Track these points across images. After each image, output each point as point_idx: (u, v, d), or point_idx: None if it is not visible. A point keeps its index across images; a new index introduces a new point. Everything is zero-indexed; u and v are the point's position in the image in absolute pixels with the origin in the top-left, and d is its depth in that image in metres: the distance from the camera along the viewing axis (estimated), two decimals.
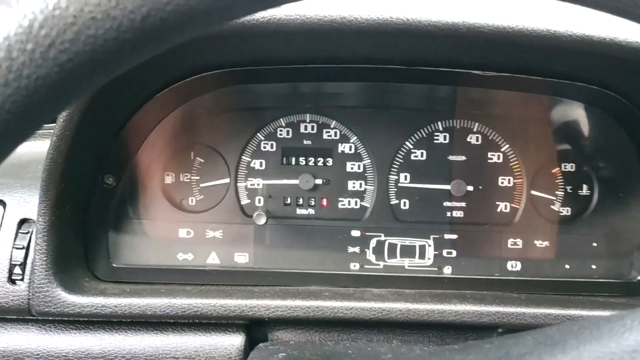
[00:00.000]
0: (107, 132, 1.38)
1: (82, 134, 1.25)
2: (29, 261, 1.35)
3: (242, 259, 1.53)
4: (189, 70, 1.31)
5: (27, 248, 1.36)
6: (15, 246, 1.35)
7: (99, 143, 1.38)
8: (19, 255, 1.34)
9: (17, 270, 1.34)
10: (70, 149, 1.25)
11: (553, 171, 1.53)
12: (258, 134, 1.52)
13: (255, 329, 1.41)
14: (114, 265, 1.49)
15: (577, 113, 1.51)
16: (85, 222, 1.44)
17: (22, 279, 1.35)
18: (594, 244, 1.54)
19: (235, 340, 1.37)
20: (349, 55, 1.30)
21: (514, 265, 1.54)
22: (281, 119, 1.52)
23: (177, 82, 1.34)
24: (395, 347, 1.18)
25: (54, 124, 1.24)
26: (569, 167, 1.54)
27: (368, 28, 1.09)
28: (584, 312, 1.36)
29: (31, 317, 1.36)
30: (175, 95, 1.39)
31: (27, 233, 1.37)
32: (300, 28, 1.09)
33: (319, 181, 1.52)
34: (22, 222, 1.38)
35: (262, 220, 1.45)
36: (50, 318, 1.36)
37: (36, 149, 1.57)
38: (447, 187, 1.51)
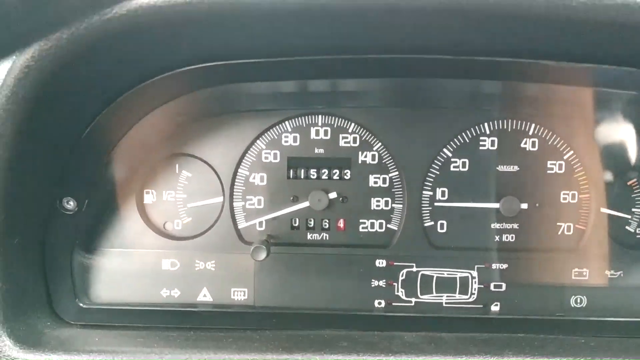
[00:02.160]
0: (58, 147, 1.12)
1: (20, 152, 1.00)
2: None
3: (240, 295, 1.35)
4: (162, 65, 1.04)
5: None
6: None
7: (50, 160, 1.13)
8: None
9: None
10: (10, 169, 0.99)
11: (628, 183, 1.31)
12: (258, 142, 1.32)
13: None
14: (81, 305, 1.30)
15: None
16: (44, 256, 1.23)
17: None
18: None
19: None
20: (367, 43, 1.01)
21: (579, 301, 1.33)
22: (286, 123, 1.32)
23: (149, 79, 1.06)
24: None
25: None
26: None
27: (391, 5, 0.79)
28: None
29: None
30: (147, 95, 1.13)
31: None
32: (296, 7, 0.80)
33: (334, 197, 1.31)
34: None
35: (262, 256, 1.24)
36: None
37: None
38: (496, 205, 1.31)
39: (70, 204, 1.20)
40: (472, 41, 1.02)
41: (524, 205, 1.30)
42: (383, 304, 1.32)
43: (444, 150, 1.29)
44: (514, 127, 1.29)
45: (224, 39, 0.95)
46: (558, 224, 1.32)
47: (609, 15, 0.78)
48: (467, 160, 1.30)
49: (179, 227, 1.33)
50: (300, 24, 0.92)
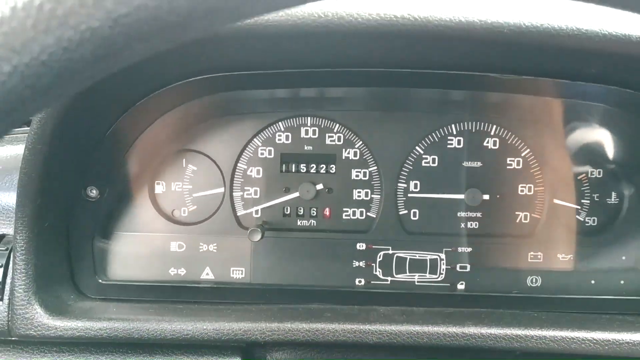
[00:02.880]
0: (86, 142, 1.27)
1: (56, 146, 1.15)
2: (8, 280, 1.25)
3: (238, 274, 1.44)
4: (176, 75, 1.19)
5: (7, 265, 1.26)
6: None
7: (78, 154, 1.27)
8: None
9: None
10: (45, 162, 1.15)
11: (578, 178, 1.41)
12: (255, 140, 1.42)
13: (253, 351, 1.31)
14: (100, 281, 1.40)
15: (605, 116, 1.37)
16: (69, 237, 1.35)
17: (1, 299, 1.25)
18: (623, 257, 1.41)
19: None
20: (352, 58, 1.17)
21: (534, 281, 1.42)
22: (279, 123, 1.41)
23: (162, 87, 1.22)
24: None
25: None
26: (596, 173, 1.41)
27: (369, 29, 0.95)
28: (612, 335, 1.22)
29: (11, 339, 1.26)
30: (161, 101, 1.27)
31: (5, 250, 1.27)
32: (293, 30, 0.95)
33: (321, 188, 1.41)
34: (1, 237, 1.29)
35: (257, 237, 1.34)
36: (31, 340, 1.26)
37: (16, 153, 1.48)
38: (462, 196, 1.40)
39: (93, 192, 1.34)
40: (441, 58, 1.18)
41: (486, 196, 1.38)
42: (363, 282, 1.42)
43: (417, 148, 1.39)
44: (477, 128, 1.39)
45: (231, 54, 1.10)
46: (516, 213, 1.40)
47: (536, 39, 0.94)
48: (436, 157, 1.39)
49: (186, 214, 1.42)
50: (299, 43, 1.07)
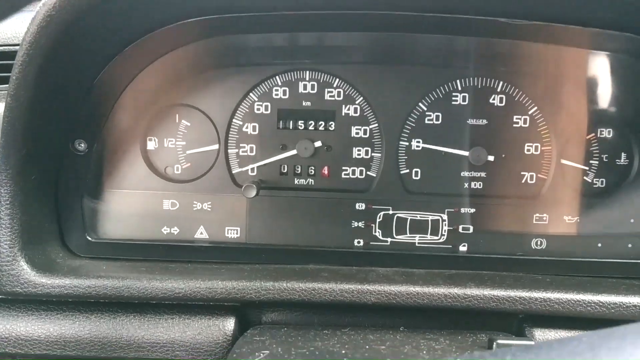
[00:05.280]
0: (72, 91, 1.22)
1: (40, 93, 1.10)
2: None
3: (233, 233, 1.41)
4: (165, 18, 1.14)
5: None
6: None
7: (64, 104, 1.22)
8: None
9: None
10: (29, 111, 1.10)
11: (587, 137, 1.37)
12: (251, 94, 1.37)
13: (247, 311, 1.28)
14: (90, 239, 1.37)
15: (619, 69, 1.33)
16: (58, 193, 1.32)
17: None
18: (632, 220, 1.38)
19: (224, 324, 1.23)
20: (353, 1, 1.11)
21: (539, 243, 1.39)
22: (277, 77, 1.37)
23: (153, 30, 1.16)
24: (397, 344, 1.02)
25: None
26: (606, 132, 1.37)
27: None
28: (618, 298, 1.19)
29: None
30: (152, 45, 1.22)
31: None
32: None
33: (319, 146, 1.38)
34: None
35: (252, 193, 1.31)
36: (18, 298, 1.23)
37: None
38: (466, 153, 1.36)
39: (82, 146, 1.29)
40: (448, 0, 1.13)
41: (491, 156, 1.35)
42: (362, 243, 1.39)
43: (420, 104, 1.35)
44: (483, 84, 1.34)
45: None
46: (522, 173, 1.37)
47: None
48: (440, 114, 1.36)
49: (179, 171, 1.39)
50: None
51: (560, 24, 1.11)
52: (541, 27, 1.12)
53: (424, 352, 0.94)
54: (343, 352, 0.93)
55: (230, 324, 1.23)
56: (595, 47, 1.29)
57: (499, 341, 0.99)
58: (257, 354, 0.93)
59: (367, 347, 0.97)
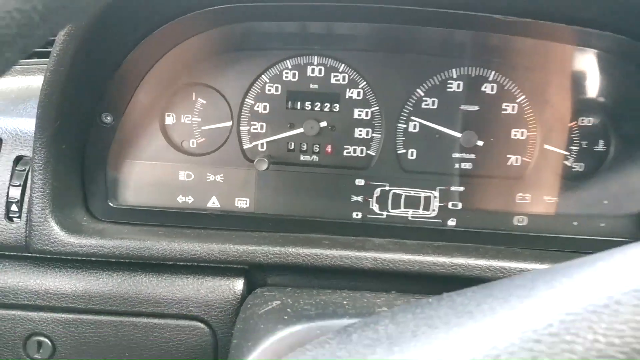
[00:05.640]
0: (103, 69, 1.33)
1: (76, 70, 1.21)
2: (25, 199, 1.33)
3: (242, 204, 1.51)
4: (187, 6, 1.24)
5: (24, 185, 1.34)
6: (12, 184, 1.33)
7: (95, 80, 1.33)
8: (15, 193, 1.33)
9: (14, 207, 1.33)
10: (65, 85, 1.21)
11: (569, 125, 1.47)
12: (263, 76, 1.47)
13: (255, 274, 1.40)
14: (112, 205, 1.48)
15: (600, 64, 1.44)
16: (83, 161, 1.42)
17: (19, 217, 1.34)
18: (605, 202, 1.49)
19: (234, 284, 1.36)
20: None
21: (520, 220, 1.50)
22: (287, 61, 1.46)
23: (174, 18, 1.27)
24: (392, 298, 1.15)
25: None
26: (587, 121, 1.47)
27: None
28: None
29: (28, 255, 1.35)
30: (173, 32, 1.33)
31: (23, 170, 1.34)
32: None
33: (324, 126, 1.47)
34: (19, 159, 1.36)
35: (264, 166, 1.42)
36: (47, 256, 1.35)
37: (35, 84, 1.54)
38: (458, 136, 1.47)
39: (108, 119, 1.40)
40: None
41: (481, 140, 1.45)
42: (360, 215, 1.50)
43: (418, 90, 1.45)
44: (477, 74, 1.44)
45: None
46: (508, 156, 1.46)
47: None
48: (436, 100, 1.45)
49: (194, 145, 1.48)
50: None
51: (547, 22, 1.23)
52: (531, 24, 1.23)
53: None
54: (345, 302, 1.05)
55: (239, 284, 1.35)
56: (579, 44, 1.40)
57: None
58: (269, 303, 1.06)
59: (365, 300, 1.10)
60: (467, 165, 1.49)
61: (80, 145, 1.40)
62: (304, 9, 1.28)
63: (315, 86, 1.47)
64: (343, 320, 0.88)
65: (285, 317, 0.94)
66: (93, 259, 1.36)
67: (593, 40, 1.36)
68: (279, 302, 1.06)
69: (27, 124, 1.37)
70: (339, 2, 1.24)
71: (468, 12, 1.22)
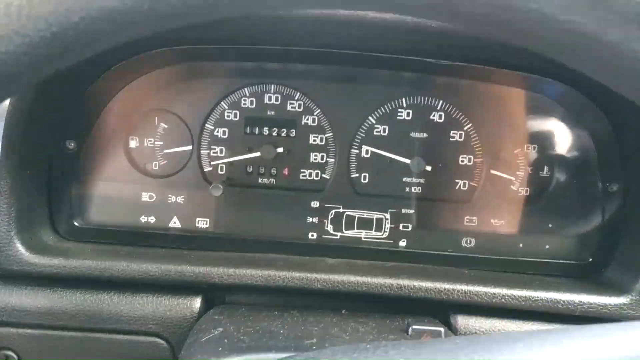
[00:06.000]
0: (66, 100, 1.38)
1: (39, 103, 1.26)
2: None
3: (203, 224, 1.57)
4: (146, 45, 1.31)
5: None
6: None
7: (59, 111, 1.39)
8: None
9: None
10: (28, 116, 1.27)
11: (515, 152, 1.54)
12: (222, 103, 1.52)
13: (213, 291, 1.46)
14: (77, 225, 1.53)
15: (541, 103, 1.51)
16: (49, 185, 1.47)
17: None
18: (550, 225, 1.56)
19: (192, 303, 1.42)
20: (314, 40, 1.29)
21: (468, 242, 1.57)
22: (245, 89, 1.52)
23: (134, 55, 1.33)
24: (329, 325, 1.21)
25: None
26: (531, 148, 1.54)
27: (316, 20, 1.08)
28: (529, 293, 1.38)
29: None
30: (134, 67, 1.39)
31: None
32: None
33: (280, 151, 1.53)
34: None
35: (218, 192, 1.48)
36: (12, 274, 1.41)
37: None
38: (407, 161, 1.53)
39: (72, 145, 1.45)
40: (390, 43, 1.31)
41: (430, 165, 1.52)
42: (315, 236, 1.56)
43: (369, 118, 1.51)
44: (425, 103, 1.50)
45: (199, 30, 1.22)
46: (456, 180, 1.53)
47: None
48: (387, 127, 1.51)
49: (156, 167, 1.53)
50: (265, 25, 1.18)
51: (478, 65, 1.30)
52: (467, 67, 1.30)
53: (347, 334, 1.14)
54: (281, 331, 1.12)
55: (197, 303, 1.41)
56: (520, 86, 1.47)
57: (414, 326, 1.20)
58: (212, 330, 1.13)
59: (303, 327, 1.17)
60: (417, 189, 1.55)
61: (45, 169, 1.45)
62: (259, 52, 1.35)
63: (272, 113, 1.52)
64: (269, 355, 0.95)
65: (220, 348, 1.01)
66: (57, 278, 1.41)
67: (534, 84, 1.43)
68: (221, 329, 1.13)
69: None
70: (292, 47, 1.30)
71: (410, 57, 1.29)
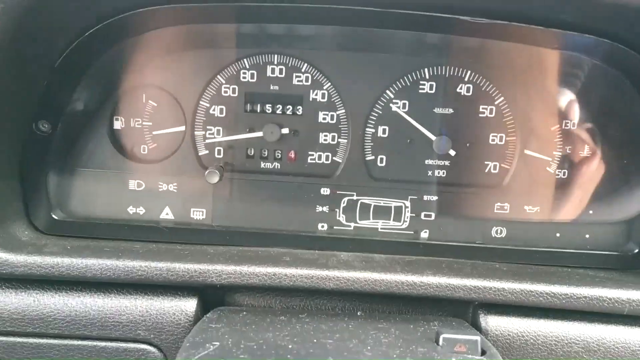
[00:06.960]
0: (35, 73, 1.21)
1: (2, 76, 1.09)
2: None
3: (198, 215, 1.44)
4: (133, 3, 1.13)
5: None
6: None
7: (27, 85, 1.22)
8: None
9: None
10: None
11: (552, 129, 1.39)
12: (218, 77, 1.38)
13: (210, 292, 1.30)
14: (55, 217, 1.39)
15: (582, 67, 1.34)
16: (22, 173, 1.32)
17: None
18: (590, 211, 1.41)
19: (186, 305, 1.26)
20: None
21: (499, 232, 1.43)
22: (245, 60, 1.37)
23: (117, 16, 1.16)
24: (346, 336, 1.04)
25: None
26: (570, 125, 1.38)
27: None
28: (569, 289, 1.23)
29: None
30: (114, 30, 1.21)
31: None
32: None
33: (286, 132, 1.39)
34: None
35: (215, 179, 1.33)
36: None
37: None
38: (432, 139, 1.38)
39: (45, 127, 1.30)
40: None
41: (456, 144, 1.37)
42: (325, 227, 1.43)
43: (387, 91, 1.37)
44: (451, 73, 1.35)
45: None
46: (485, 162, 1.39)
47: None
48: (407, 102, 1.37)
49: (145, 151, 1.40)
50: None
51: (520, 24, 1.12)
52: (505, 27, 1.13)
53: (369, 347, 0.97)
54: (290, 346, 0.96)
55: (192, 305, 1.25)
56: (560, 47, 1.31)
57: (445, 335, 1.03)
58: (207, 345, 0.96)
59: (315, 340, 1.00)
60: (441, 173, 1.41)
61: (17, 155, 1.29)
62: (263, 10, 1.18)
63: (276, 87, 1.38)
64: None
65: None
66: (32, 278, 1.25)
67: (575, 43, 1.27)
68: (217, 344, 0.96)
69: None
70: (300, 2, 1.13)
71: (439, 15, 1.11)
